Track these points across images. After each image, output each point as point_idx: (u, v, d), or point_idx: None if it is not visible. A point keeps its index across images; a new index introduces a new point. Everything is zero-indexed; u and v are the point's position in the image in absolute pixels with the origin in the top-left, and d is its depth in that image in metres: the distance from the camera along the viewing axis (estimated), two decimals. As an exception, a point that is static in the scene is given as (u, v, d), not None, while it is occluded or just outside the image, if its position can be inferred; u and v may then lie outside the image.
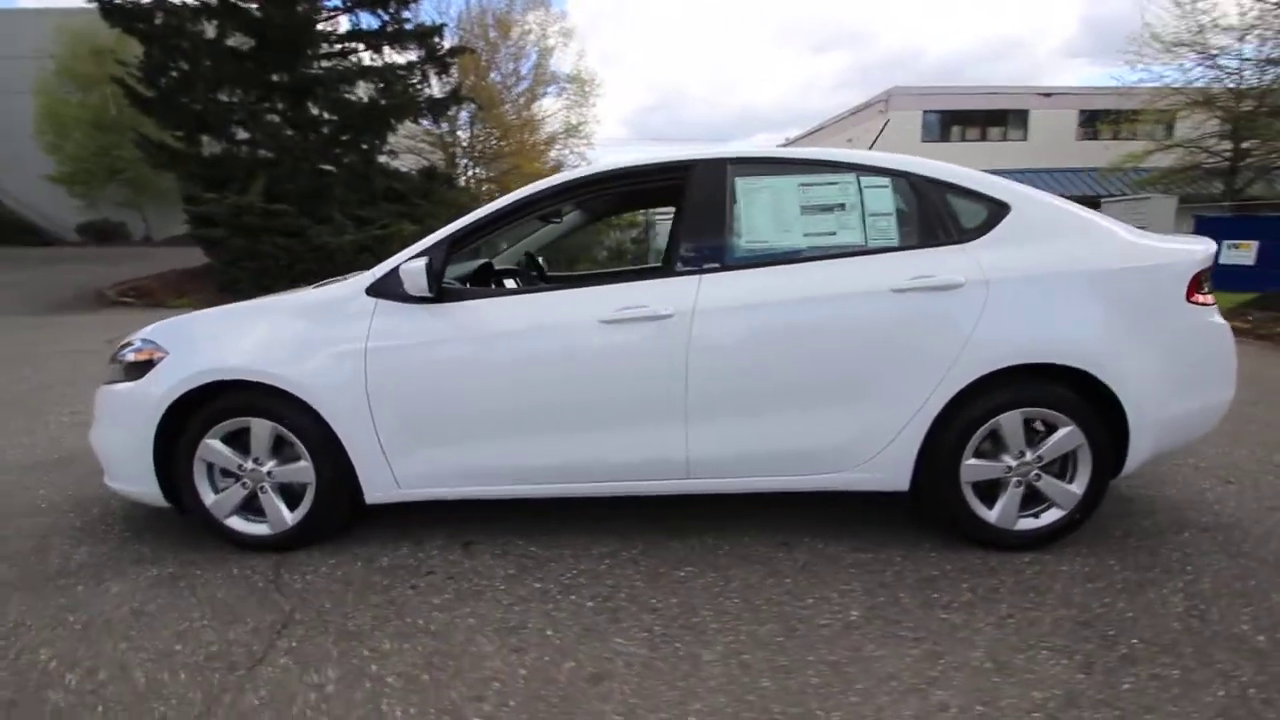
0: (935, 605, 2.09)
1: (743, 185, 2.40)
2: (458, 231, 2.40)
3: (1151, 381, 2.32)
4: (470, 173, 24.86)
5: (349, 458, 2.38)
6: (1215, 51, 16.79)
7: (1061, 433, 2.34)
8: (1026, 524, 2.42)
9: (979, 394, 2.29)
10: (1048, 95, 25.49)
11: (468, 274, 2.85)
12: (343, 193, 14.41)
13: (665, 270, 2.37)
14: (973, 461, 2.36)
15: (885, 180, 2.41)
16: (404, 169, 17.65)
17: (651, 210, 11.30)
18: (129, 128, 14.88)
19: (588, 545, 2.51)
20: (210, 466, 2.45)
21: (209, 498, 2.45)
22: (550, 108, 26.94)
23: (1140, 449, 2.38)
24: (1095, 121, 24.45)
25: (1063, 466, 2.40)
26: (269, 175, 13.18)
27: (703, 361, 2.27)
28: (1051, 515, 2.42)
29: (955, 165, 2.48)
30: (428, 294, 2.26)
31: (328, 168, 14.70)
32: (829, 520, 2.68)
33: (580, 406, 2.33)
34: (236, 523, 2.47)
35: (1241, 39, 16.19)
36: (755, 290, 2.29)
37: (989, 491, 2.40)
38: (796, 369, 2.30)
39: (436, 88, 17.64)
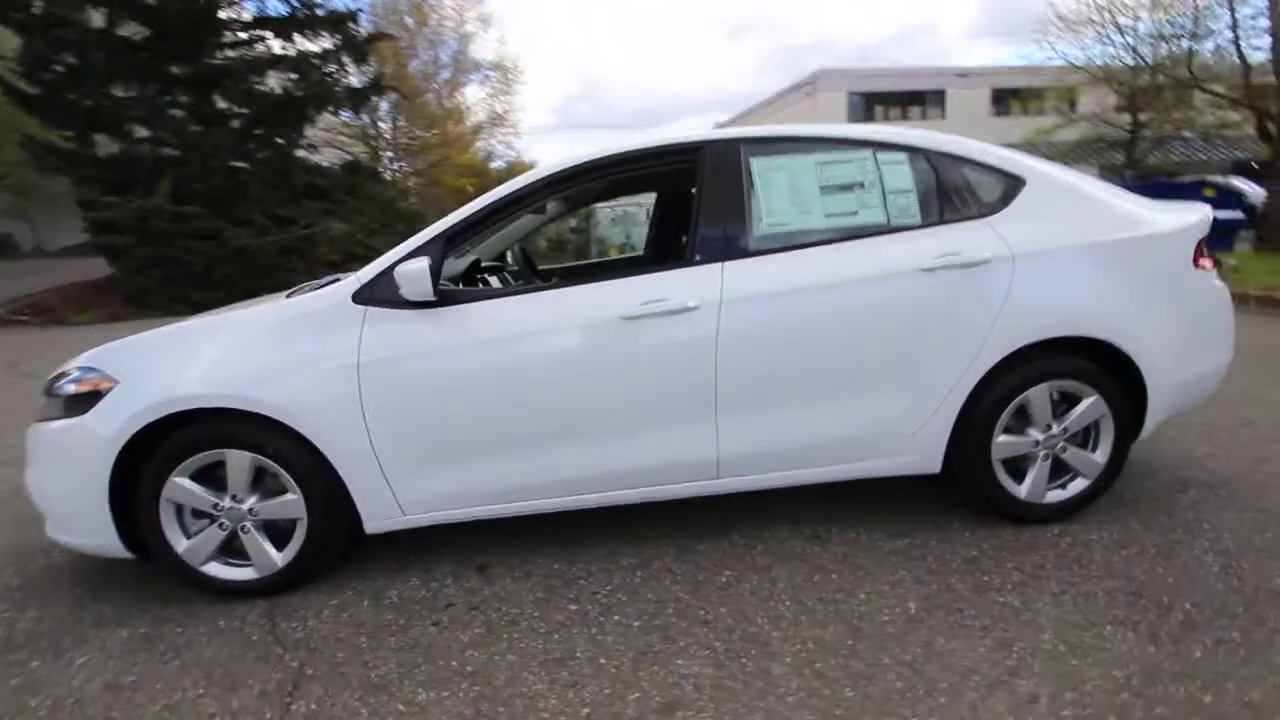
0: (988, 588, 2.04)
1: (759, 166, 2.27)
2: (453, 227, 2.16)
3: (1165, 347, 2.34)
4: (396, 166, 23.81)
5: (345, 486, 2.12)
6: (1114, 29, 17.82)
7: (1086, 404, 2.33)
8: (1055, 496, 2.42)
9: (1006, 370, 2.26)
10: (963, 75, 26.58)
11: (457, 274, 2.61)
12: (260, 191, 13.48)
13: (684, 260, 2.21)
14: (1003, 438, 2.33)
15: (902, 156, 2.33)
16: (325, 164, 16.70)
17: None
18: (11, 129, 13.40)
19: (613, 556, 2.35)
20: (180, 508, 2.13)
21: (181, 543, 2.13)
22: (474, 97, 26.14)
23: (1156, 414, 2.41)
24: (1007, 99, 25.69)
25: (1085, 436, 2.40)
26: (176, 175, 12.15)
27: (731, 355, 2.13)
28: (1078, 485, 2.43)
29: (966, 139, 2.42)
30: (430, 298, 2.03)
31: (241, 164, 13.71)
32: (851, 507, 2.60)
33: (604, 410, 2.15)
34: (216, 569, 2.17)
35: (1136, 18, 17.25)
36: (781, 277, 2.17)
37: (1016, 466, 2.38)
38: (827, 357, 2.19)
39: (356, 77, 16.76)
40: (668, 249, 3.57)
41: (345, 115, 19.69)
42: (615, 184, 2.90)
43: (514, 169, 29.80)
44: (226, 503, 2.12)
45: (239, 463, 2.09)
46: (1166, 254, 2.37)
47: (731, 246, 2.19)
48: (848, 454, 2.29)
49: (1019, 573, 2.13)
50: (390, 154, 23.75)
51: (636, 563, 2.30)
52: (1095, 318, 2.26)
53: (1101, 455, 2.40)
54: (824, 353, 2.19)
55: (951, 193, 2.31)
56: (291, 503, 2.12)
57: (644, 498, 2.26)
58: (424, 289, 2.00)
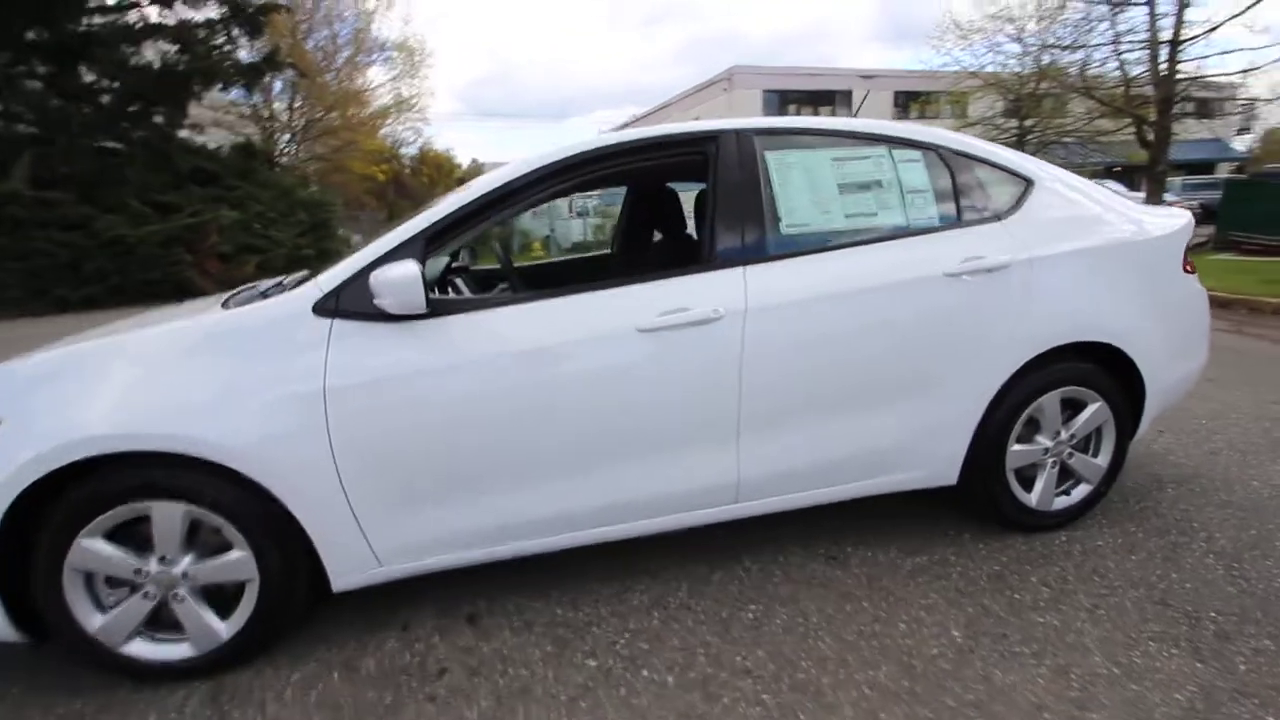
0: (1023, 607, 1.96)
1: (775, 161, 2.07)
2: (436, 224, 1.83)
3: (1160, 350, 2.36)
4: (295, 150, 22.10)
5: (307, 536, 1.76)
6: (1003, 38, 19.05)
7: (1091, 409, 2.32)
8: (1061, 502, 2.39)
9: (1020, 378, 2.19)
10: (868, 77, 27.69)
11: (432, 277, 2.27)
12: (138, 175, 12.09)
13: (701, 263, 1.98)
14: (1017, 447, 2.27)
15: (917, 154, 2.20)
16: (214, 146, 15.21)
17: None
18: None
19: (622, 595, 2.10)
20: (90, 576, 1.70)
21: (93, 620, 1.70)
22: (378, 79, 24.63)
23: (1149, 416, 2.43)
24: (908, 101, 27.05)
25: (1086, 441, 2.39)
26: (36, 156, 10.63)
27: (756, 369, 1.93)
28: (1081, 491, 2.41)
29: (974, 138, 2.34)
30: (420, 310, 1.70)
31: (115, 145, 12.22)
32: (858, 522, 2.48)
33: (620, 435, 1.90)
34: (141, 648, 1.75)
35: (1022, 30, 18.48)
36: (806, 283, 1.98)
37: (1023, 475, 2.33)
38: (852, 369, 2.04)
39: (247, 51, 15.34)
40: (639, 247, 3.34)
41: (236, 93, 18.05)
42: (632, 174, 2.63)
43: (425, 157, 28.51)
44: (152, 566, 1.70)
45: (168, 517, 1.68)
46: (1164, 257, 2.38)
47: (752, 248, 1.98)
48: (868, 470, 2.16)
49: (1046, 588, 2.07)
50: (288, 137, 22.02)
51: (650, 600, 2.06)
52: (1105, 322, 2.24)
53: (1103, 459, 2.40)
54: (849, 365, 2.03)
55: (966, 193, 2.21)
56: (238, 562, 1.74)
57: (658, 529, 2.03)
58: (413, 300, 1.67)
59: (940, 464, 2.22)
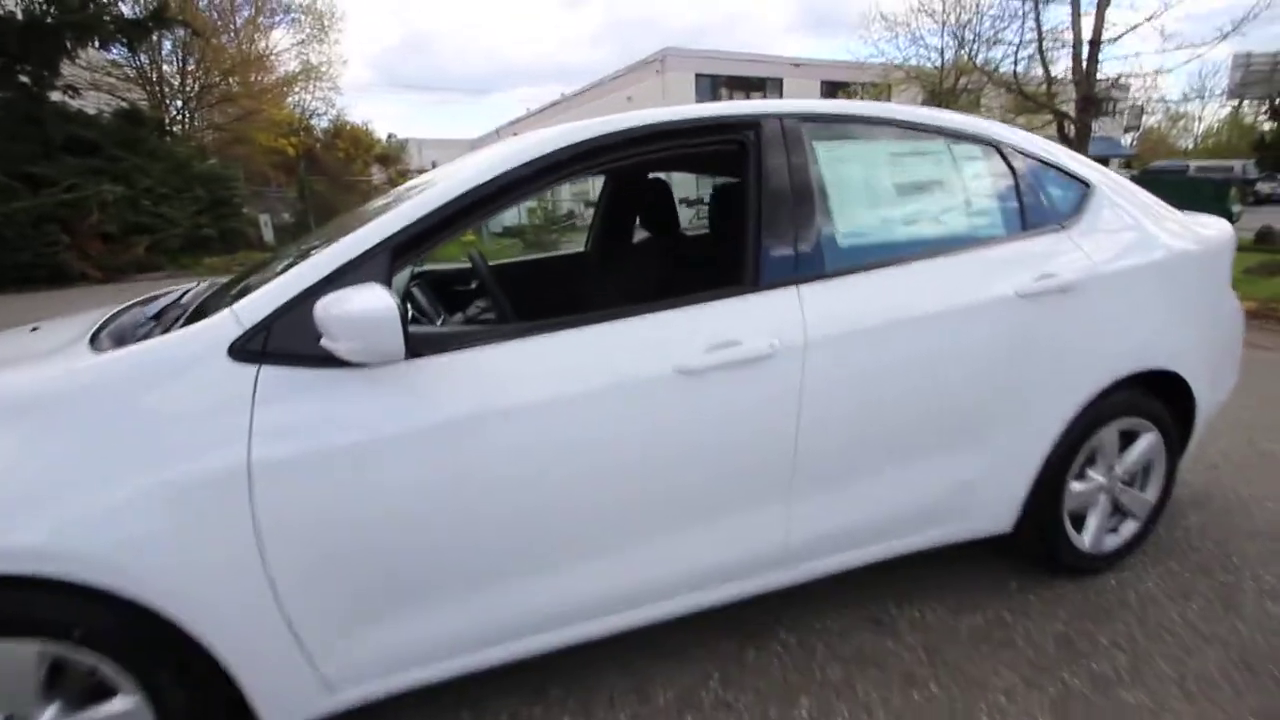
0: (1108, 682, 1.70)
1: (826, 155, 1.69)
2: (409, 229, 1.33)
3: (1208, 374, 2.17)
4: (189, 119, 20.04)
5: (225, 668, 1.26)
6: (925, 31, 19.51)
7: (1146, 440, 2.09)
8: (1110, 542, 2.17)
9: (1085, 411, 1.93)
10: (797, 66, 27.92)
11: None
12: (1, 143, 10.49)
13: (745, 282, 1.58)
14: (1075, 486, 2.02)
15: (977, 149, 1.88)
16: (93, 112, 13.49)
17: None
18: None
19: (640, 688, 1.70)
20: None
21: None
22: (283, 43, 22.65)
23: (1191, 446, 2.25)
24: (835, 92, 27.43)
25: (1134, 474, 2.17)
26: None
27: (815, 412, 1.56)
28: (1130, 528, 2.20)
29: (1030, 134, 2.04)
30: (398, 358, 1.22)
31: (-31, 107, 10.59)
32: (883, 573, 2.15)
33: (648, 502, 1.49)
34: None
35: (944, 23, 18.95)
36: (871, 307, 1.63)
37: (1074, 514, 2.09)
38: (919, 406, 1.71)
39: (128, 5, 13.66)
40: (618, 246, 2.91)
41: (117, 52, 16.11)
42: (653, 164, 2.18)
43: (341, 130, 26.61)
44: (-9, 728, 1.17)
45: (17, 658, 1.14)
46: (1216, 271, 2.18)
47: (806, 263, 1.60)
48: (925, 522, 1.85)
49: (1120, 651, 1.82)
50: (180, 104, 19.93)
51: (677, 696, 1.67)
52: (1170, 346, 2.01)
53: (1152, 493, 2.19)
54: (914, 403, 1.70)
55: (1029, 197, 1.91)
56: (124, 714, 1.22)
57: (690, 608, 1.64)
58: (387, 345, 1.18)
59: (999, 510, 1.94)
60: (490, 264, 3.19)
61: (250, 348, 1.23)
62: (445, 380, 1.31)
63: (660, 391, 1.42)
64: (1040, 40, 13.04)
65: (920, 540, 1.88)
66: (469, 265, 2.92)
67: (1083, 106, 12.37)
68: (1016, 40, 13.74)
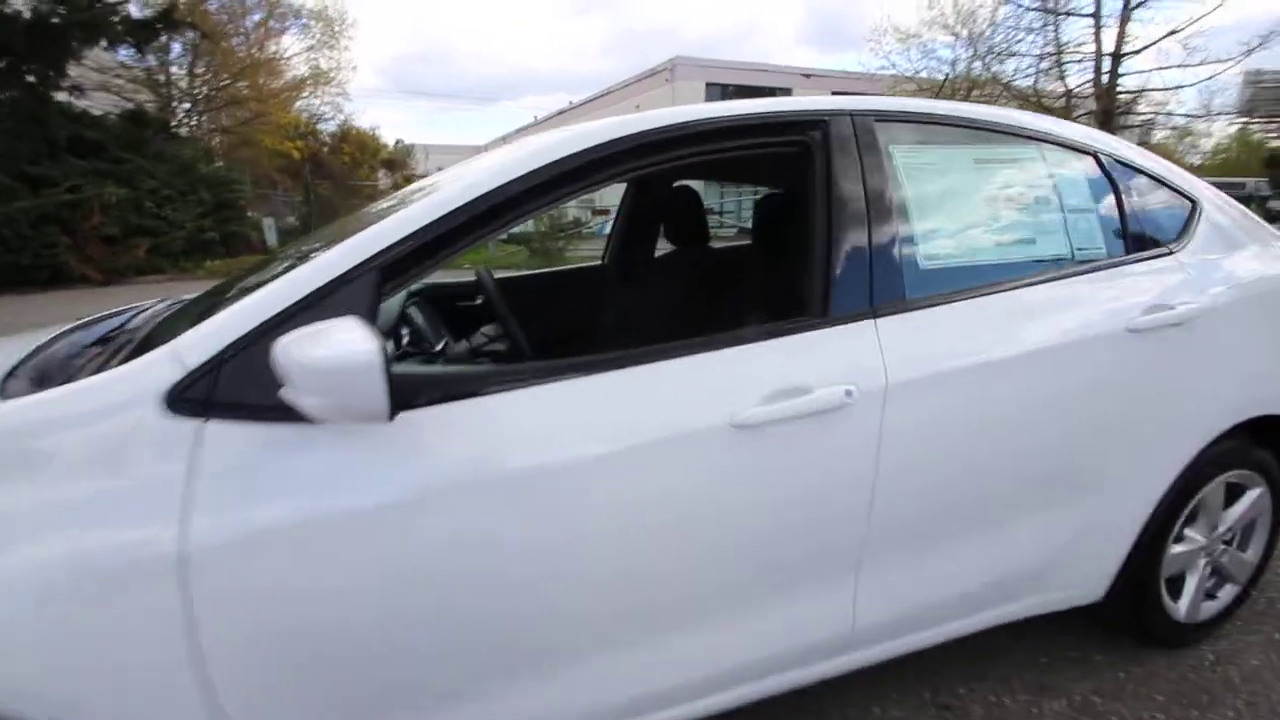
0: (1234, 797, 1.42)
1: (904, 161, 1.43)
2: (400, 246, 1.06)
3: None
4: (195, 120, 19.93)
5: None
6: (936, 44, 19.31)
7: (1252, 495, 1.82)
8: (1207, 610, 1.89)
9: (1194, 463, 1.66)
10: (808, 76, 27.78)
11: (385, 325, 1.51)
12: (5, 142, 10.35)
13: (812, 313, 1.30)
14: (1174, 549, 1.74)
15: (1074, 158, 1.62)
16: (99, 112, 13.35)
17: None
18: None
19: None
20: None
21: None
22: (293, 48, 22.59)
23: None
24: (847, 101, 27.28)
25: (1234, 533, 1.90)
26: None
27: (895, 472, 1.29)
28: (1228, 593, 1.92)
29: (1130, 143, 1.78)
30: (381, 417, 0.94)
31: (-28, 105, 10.44)
32: (951, 653, 1.89)
33: (694, 587, 1.22)
34: None
35: (957, 36, 18.75)
36: (960, 344, 1.35)
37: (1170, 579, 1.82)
38: (1017, 460, 1.44)
39: (137, 6, 13.55)
40: (640, 259, 2.66)
41: (124, 54, 16.00)
42: (677, 171, 1.92)
43: (347, 135, 26.52)
44: None
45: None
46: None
47: (883, 291, 1.33)
48: (1007, 595, 1.57)
49: (1237, 748, 1.54)
50: (188, 106, 19.83)
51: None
52: (1286, 386, 1.73)
53: (1254, 554, 1.91)
54: (1009, 458, 1.43)
55: (1132, 215, 1.65)
56: None
57: (734, 703, 1.36)
58: (367, 402, 0.90)
59: (1092, 577, 1.66)
60: (497, 278, 2.93)
61: (193, 396, 0.95)
62: (446, 439, 1.03)
63: (712, 452, 1.15)
64: (1059, 53, 12.88)
65: (1001, 614, 1.60)
66: (475, 278, 2.70)
67: (1103, 120, 12.17)
68: (1035, 53, 13.58)
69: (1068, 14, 12.75)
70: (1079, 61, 12.64)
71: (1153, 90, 12.87)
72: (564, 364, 1.13)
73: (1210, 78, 11.98)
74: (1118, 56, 11.81)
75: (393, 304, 1.59)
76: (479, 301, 2.51)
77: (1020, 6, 13.49)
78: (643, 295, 2.36)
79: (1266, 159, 28.10)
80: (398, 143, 33.21)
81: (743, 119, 1.36)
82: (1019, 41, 14.57)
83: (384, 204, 1.48)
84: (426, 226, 1.08)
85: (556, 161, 1.18)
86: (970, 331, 1.37)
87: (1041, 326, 1.43)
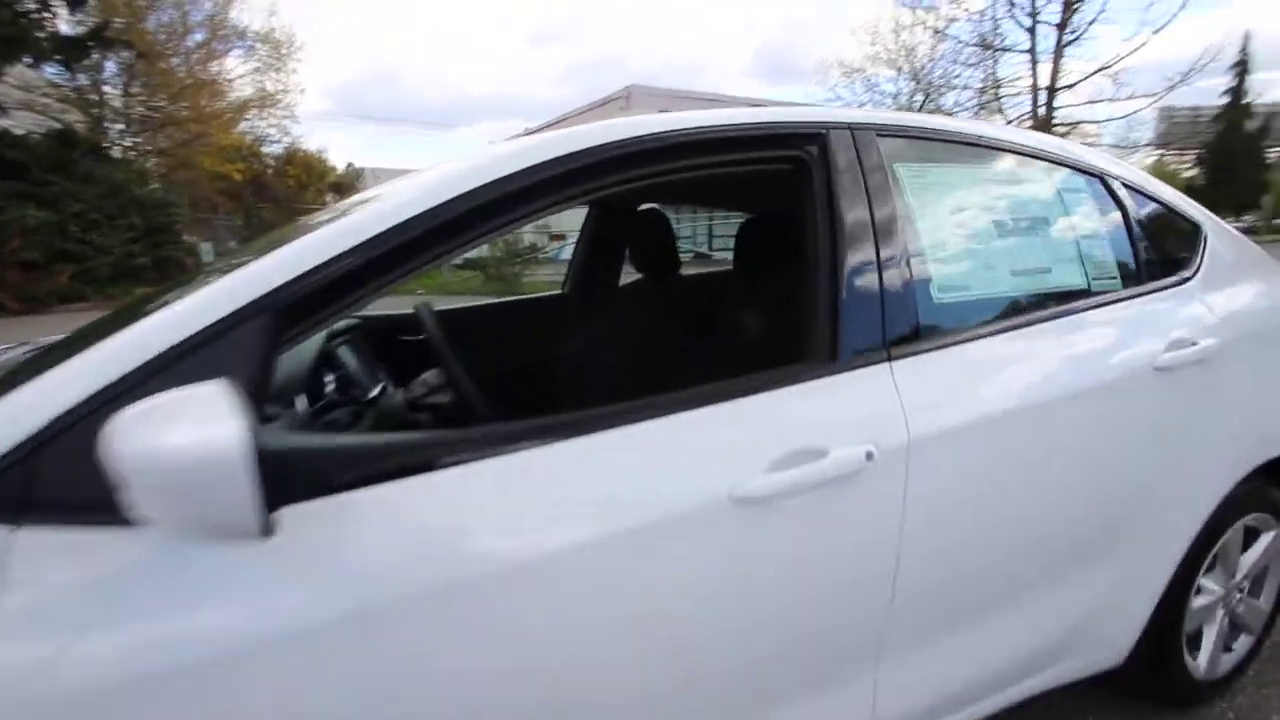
0: None
1: (911, 180, 1.26)
2: (305, 279, 0.81)
3: None
4: (130, 142, 19.03)
5: None
6: (879, 79, 19.97)
7: (1266, 539, 1.70)
8: (1224, 664, 1.75)
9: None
10: (758, 105, 28.44)
11: (301, 369, 1.25)
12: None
13: (814, 355, 1.10)
14: (1196, 602, 1.60)
15: (1082, 181, 1.49)
16: (21, 132, 12.58)
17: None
18: None
19: None
20: None
21: None
22: (237, 70, 21.85)
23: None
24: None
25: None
26: None
27: (921, 542, 1.09)
28: (1242, 644, 1.78)
29: (1133, 166, 1.67)
30: (252, 532, 0.66)
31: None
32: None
33: (687, 693, 0.99)
34: None
35: (899, 71, 19.41)
36: (985, 389, 1.18)
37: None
38: (1048, 518, 1.26)
39: (67, 23, 12.88)
40: (604, 288, 2.45)
41: (52, 71, 15.18)
42: (645, 191, 1.72)
43: (293, 157, 25.78)
44: None
45: None
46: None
47: (897, 328, 1.14)
48: (1034, 668, 1.38)
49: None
50: (121, 127, 18.94)
51: None
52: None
53: (1267, 600, 1.79)
54: (1040, 516, 1.25)
55: (1144, 242, 1.52)
56: None
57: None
58: (232, 512, 0.64)
59: (1117, 640, 1.49)
60: (444, 310, 2.60)
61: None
62: (361, 543, 0.78)
63: (709, 534, 0.93)
64: (998, 86, 13.43)
65: (1019, 691, 1.40)
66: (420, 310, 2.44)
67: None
68: (976, 85, 14.11)
69: (1004, 49, 13.33)
70: (1016, 95, 13.19)
71: (1087, 122, 13.50)
72: (521, 428, 0.90)
73: (1135, 111, 12.65)
74: (1053, 90, 12.36)
75: (313, 343, 1.33)
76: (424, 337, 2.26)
77: (960, 42, 14.06)
78: (610, 329, 2.15)
79: (1183, 189, 29.85)
80: (349, 166, 32.49)
81: (730, 130, 1.17)
82: (958, 76, 15.19)
83: (300, 222, 1.23)
84: (333, 260, 0.83)
85: (502, 180, 0.94)
86: (994, 375, 1.20)
87: (1069, 367, 1.28)
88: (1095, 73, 12.42)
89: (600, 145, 1.02)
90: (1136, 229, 1.51)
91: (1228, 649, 1.76)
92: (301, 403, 1.19)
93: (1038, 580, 1.29)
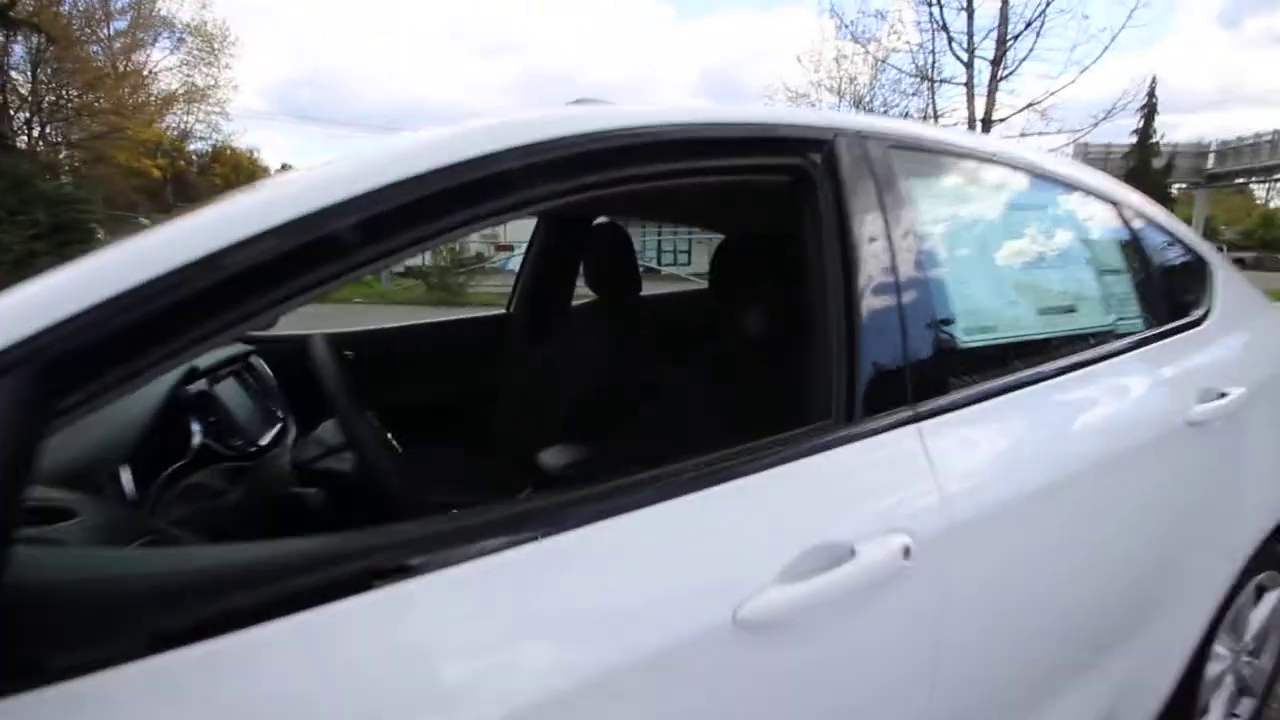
0: None
1: (928, 200, 1.06)
2: (87, 322, 0.50)
3: None
4: (38, 132, 17.62)
5: None
6: (821, 104, 20.39)
7: (1272, 597, 1.59)
8: (1230, 733, 1.63)
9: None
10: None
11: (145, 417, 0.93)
12: None
13: (827, 413, 0.87)
14: (1211, 668, 1.46)
15: (1098, 207, 1.34)
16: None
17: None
18: None
19: None
20: None
21: None
22: (164, 62, 20.56)
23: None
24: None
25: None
26: None
27: (960, 648, 0.88)
28: (1245, 708, 1.66)
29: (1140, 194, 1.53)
30: None
31: None
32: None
33: None
34: None
35: (841, 96, 19.84)
36: (1023, 453, 0.98)
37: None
38: (1090, 598, 1.08)
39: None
40: (556, 309, 2.20)
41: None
42: (599, 203, 1.46)
43: (220, 154, 24.45)
44: None
45: None
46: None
47: (922, 381, 0.93)
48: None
49: None
50: (27, 115, 17.51)
51: None
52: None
53: (1269, 660, 1.67)
54: (1083, 596, 1.07)
55: (1158, 276, 1.38)
56: None
57: None
58: None
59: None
60: (361, 333, 2.21)
61: None
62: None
63: (705, 671, 0.68)
64: (937, 116, 13.82)
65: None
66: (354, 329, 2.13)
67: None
68: (916, 114, 14.49)
69: (943, 81, 13.75)
70: (955, 125, 13.59)
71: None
72: (447, 529, 0.63)
73: (1062, 146, 13.25)
74: (988, 122, 12.80)
75: (150, 395, 1.00)
76: (349, 355, 1.95)
77: (900, 72, 14.48)
78: (562, 357, 1.90)
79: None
80: (283, 166, 31.10)
81: (718, 130, 0.93)
82: (898, 105, 15.63)
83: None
84: (141, 290, 0.53)
85: (409, 182, 0.65)
86: (1030, 436, 1.01)
87: (1106, 426, 1.10)
88: (1026, 108, 12.94)
89: (548, 141, 0.74)
90: (1153, 262, 1.37)
91: (1234, 716, 1.64)
92: (128, 477, 0.88)
93: (1073, 664, 1.11)
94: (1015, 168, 1.22)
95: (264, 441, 1.16)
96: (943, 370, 0.95)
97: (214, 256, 0.55)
